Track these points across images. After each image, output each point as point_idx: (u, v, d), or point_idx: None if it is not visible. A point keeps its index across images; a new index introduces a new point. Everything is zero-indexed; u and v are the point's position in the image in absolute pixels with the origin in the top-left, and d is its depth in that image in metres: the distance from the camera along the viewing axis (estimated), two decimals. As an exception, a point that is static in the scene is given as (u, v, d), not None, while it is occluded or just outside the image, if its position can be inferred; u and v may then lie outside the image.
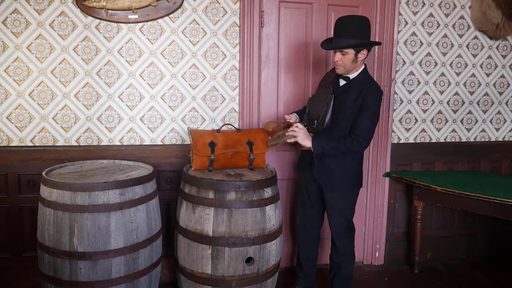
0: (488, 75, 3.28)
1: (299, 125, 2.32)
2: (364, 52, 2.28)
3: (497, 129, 3.38)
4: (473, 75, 3.25)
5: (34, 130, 2.62)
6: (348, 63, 2.28)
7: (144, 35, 2.68)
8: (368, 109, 2.28)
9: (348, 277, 2.59)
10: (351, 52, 2.24)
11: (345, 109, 2.32)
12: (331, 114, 2.33)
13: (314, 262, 2.71)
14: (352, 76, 2.36)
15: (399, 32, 3.03)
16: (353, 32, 2.22)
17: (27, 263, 2.60)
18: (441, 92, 3.21)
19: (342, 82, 2.38)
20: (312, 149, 2.32)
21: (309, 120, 2.43)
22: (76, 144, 2.68)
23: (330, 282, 2.62)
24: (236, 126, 2.85)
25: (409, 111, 3.16)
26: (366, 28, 2.26)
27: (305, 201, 2.60)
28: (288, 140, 2.35)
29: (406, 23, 3.05)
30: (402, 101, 3.14)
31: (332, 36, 2.36)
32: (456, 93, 3.24)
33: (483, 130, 3.35)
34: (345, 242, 2.52)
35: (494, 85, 3.30)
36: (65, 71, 2.61)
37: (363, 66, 2.37)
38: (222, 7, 2.75)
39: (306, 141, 2.31)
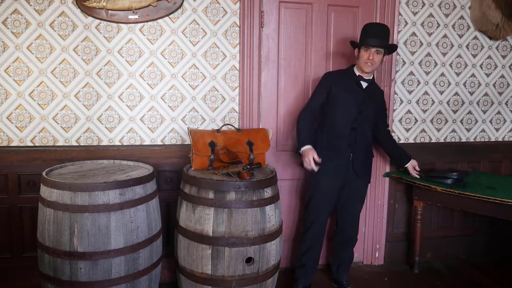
0: (488, 75, 3.28)
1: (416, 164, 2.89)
2: (385, 56, 2.59)
3: (497, 129, 3.38)
4: (473, 75, 3.25)
5: (34, 130, 2.62)
6: (378, 62, 2.53)
7: (144, 35, 2.68)
8: (385, 104, 2.78)
9: (351, 261, 2.89)
10: (382, 52, 2.51)
11: (372, 108, 2.61)
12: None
13: (318, 259, 2.79)
14: (371, 77, 2.65)
15: (399, 32, 3.04)
16: (387, 35, 2.54)
17: (27, 263, 2.60)
18: (441, 92, 3.21)
19: (364, 85, 2.61)
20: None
21: None
22: (76, 144, 2.68)
23: (336, 272, 2.87)
24: (236, 126, 2.85)
25: (409, 111, 3.16)
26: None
27: (326, 202, 2.66)
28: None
29: (406, 23, 3.05)
30: (402, 101, 3.14)
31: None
32: (456, 93, 3.24)
33: (483, 130, 3.35)
34: (357, 230, 2.81)
35: (494, 85, 3.31)
36: (65, 71, 2.61)
37: None
38: (222, 7, 2.76)
39: None
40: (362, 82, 2.58)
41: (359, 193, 2.71)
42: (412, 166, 2.86)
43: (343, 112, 2.57)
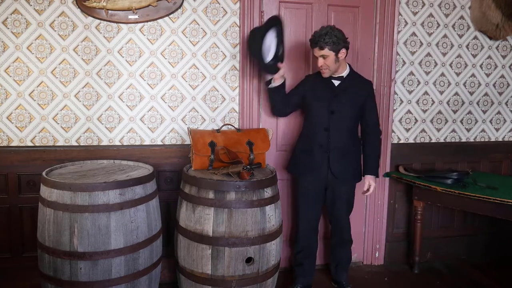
0: (488, 75, 3.28)
1: (372, 185, 2.63)
2: (343, 51, 2.48)
3: (497, 129, 3.38)
4: (473, 75, 3.25)
5: (34, 130, 2.62)
6: (331, 65, 2.48)
7: (144, 35, 2.68)
8: (373, 101, 2.65)
9: (350, 261, 2.86)
10: (331, 54, 2.44)
11: (348, 107, 2.55)
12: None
13: (315, 258, 2.79)
14: (344, 74, 2.57)
15: (399, 32, 3.03)
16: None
17: (27, 263, 2.60)
18: (441, 92, 3.21)
19: (336, 83, 2.56)
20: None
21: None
22: (76, 144, 2.68)
23: (335, 272, 2.84)
24: (236, 126, 2.85)
25: (409, 111, 3.16)
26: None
27: (311, 202, 2.66)
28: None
29: (406, 23, 3.05)
30: (402, 101, 3.14)
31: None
32: (456, 93, 3.24)
33: (483, 130, 3.35)
34: (349, 226, 2.76)
35: (494, 85, 3.31)
36: (65, 71, 2.61)
37: (347, 65, 2.60)
38: (222, 7, 2.76)
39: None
40: (333, 80, 2.56)
41: (343, 196, 2.64)
42: (367, 182, 2.62)
43: (315, 113, 2.59)
